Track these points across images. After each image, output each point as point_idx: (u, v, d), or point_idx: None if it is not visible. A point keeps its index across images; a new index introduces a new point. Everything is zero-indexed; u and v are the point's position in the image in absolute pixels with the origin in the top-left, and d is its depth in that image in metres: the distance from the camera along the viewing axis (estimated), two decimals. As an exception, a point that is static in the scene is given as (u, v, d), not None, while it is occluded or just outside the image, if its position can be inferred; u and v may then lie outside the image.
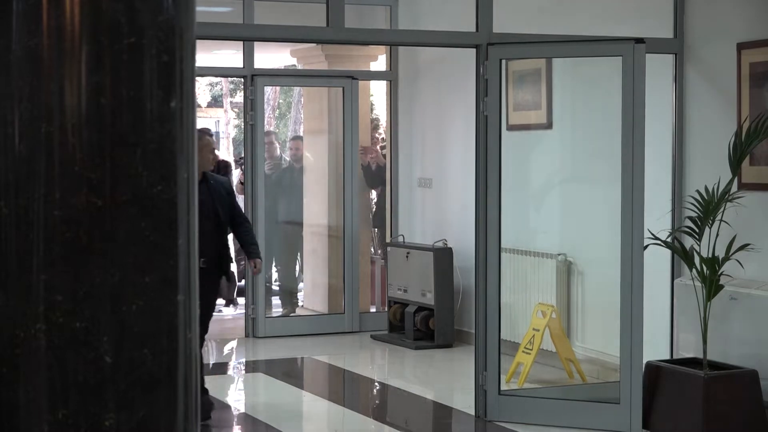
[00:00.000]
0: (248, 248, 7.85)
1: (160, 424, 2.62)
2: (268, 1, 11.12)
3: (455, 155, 10.49)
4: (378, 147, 12.81)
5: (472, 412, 7.54)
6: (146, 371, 2.60)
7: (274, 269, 12.27)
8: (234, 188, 8.53)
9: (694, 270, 7.11)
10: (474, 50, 7.61)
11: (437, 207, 10.97)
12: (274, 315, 11.60)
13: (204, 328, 7.10)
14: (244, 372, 9.89)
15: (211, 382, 7.97)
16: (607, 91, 7.77)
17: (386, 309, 10.96)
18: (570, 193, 8.81)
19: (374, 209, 12.72)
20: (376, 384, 9.29)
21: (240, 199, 9.66)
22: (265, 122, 11.09)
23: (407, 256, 10.55)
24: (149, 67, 2.60)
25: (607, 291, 7.68)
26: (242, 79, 11.44)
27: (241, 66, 11.21)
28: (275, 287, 12.42)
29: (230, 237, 8.02)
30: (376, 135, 13.18)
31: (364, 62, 12.46)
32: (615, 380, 7.53)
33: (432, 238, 10.59)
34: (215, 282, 7.52)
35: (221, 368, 9.75)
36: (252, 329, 10.82)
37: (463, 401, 7.93)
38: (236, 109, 18.48)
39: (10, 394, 2.58)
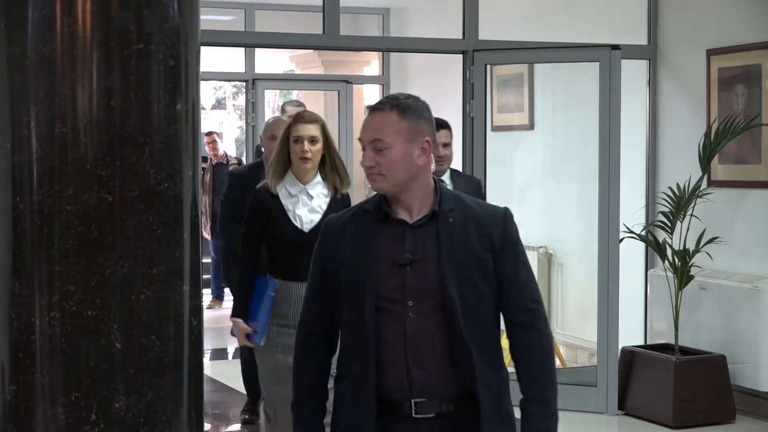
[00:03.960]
0: None
1: (167, 407, 2.62)
2: (269, 10, 11.09)
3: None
4: None
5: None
6: (154, 357, 2.60)
7: None
8: None
9: (666, 261, 7.12)
10: (461, 56, 7.62)
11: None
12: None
13: None
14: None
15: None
16: (585, 94, 7.76)
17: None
18: (550, 189, 8.80)
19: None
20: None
21: None
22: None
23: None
24: (156, 72, 2.60)
25: (585, 281, 7.69)
26: (244, 83, 11.43)
27: (243, 71, 11.20)
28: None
29: None
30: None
31: (358, 67, 12.46)
32: (592, 365, 7.55)
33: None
34: None
35: (222, 354, 9.74)
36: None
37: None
38: (238, 111, 18.47)
39: (27, 377, 2.58)
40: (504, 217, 3.02)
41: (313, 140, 4.76)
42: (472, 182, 6.11)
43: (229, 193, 6.48)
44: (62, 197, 2.53)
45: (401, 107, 2.97)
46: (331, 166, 4.84)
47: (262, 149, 6.52)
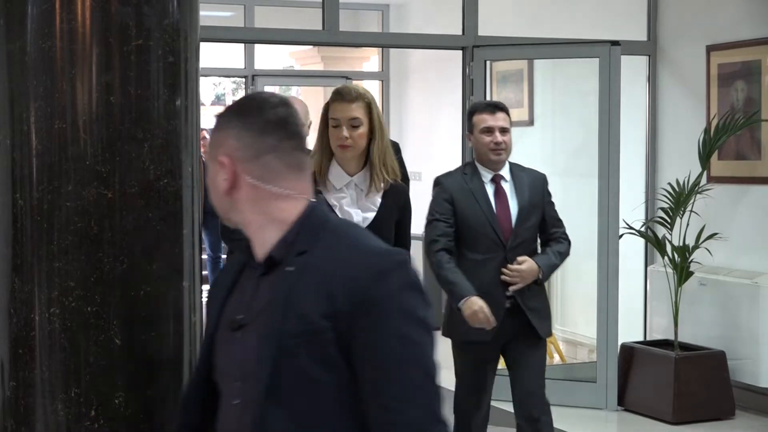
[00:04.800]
0: None
1: (166, 403, 2.62)
2: (268, 6, 11.09)
3: (442, 149, 10.47)
4: None
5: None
6: (154, 353, 2.60)
7: None
8: None
9: (666, 257, 7.12)
10: (460, 52, 7.61)
11: (426, 197, 10.94)
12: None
13: None
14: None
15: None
16: (584, 90, 7.76)
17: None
18: (550, 185, 8.79)
19: None
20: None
21: None
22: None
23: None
24: (156, 68, 2.60)
25: (585, 277, 7.68)
26: (243, 79, 11.42)
27: (243, 67, 11.19)
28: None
29: None
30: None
31: (358, 63, 12.45)
32: (592, 361, 7.55)
33: (421, 227, 10.55)
34: None
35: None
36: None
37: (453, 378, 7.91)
38: (238, 107, 18.47)
39: (26, 373, 2.58)
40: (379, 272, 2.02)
41: (354, 123, 3.87)
42: (537, 178, 5.14)
43: None
44: (62, 193, 2.53)
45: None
46: (377, 155, 3.91)
47: None
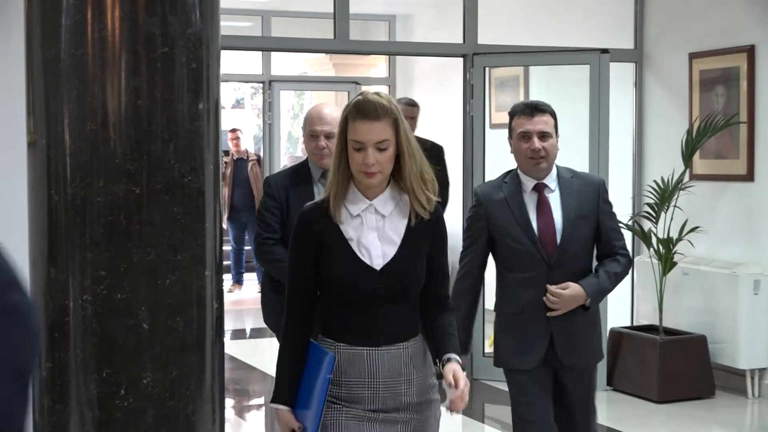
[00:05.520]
0: None
1: (190, 383, 2.62)
2: (284, 17, 11.08)
3: (445, 150, 10.47)
4: None
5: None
6: (178, 337, 2.60)
7: None
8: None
9: (651, 249, 7.11)
10: (461, 59, 7.61)
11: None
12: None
13: None
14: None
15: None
16: (576, 95, 7.74)
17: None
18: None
19: None
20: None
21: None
22: (281, 122, 11.10)
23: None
24: (180, 74, 2.60)
25: (576, 267, 7.65)
26: (261, 84, 11.42)
27: (260, 73, 11.19)
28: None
29: None
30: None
31: (366, 69, 12.44)
32: (583, 344, 7.52)
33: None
34: None
35: (241, 334, 9.74)
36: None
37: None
38: (256, 111, 18.45)
39: (62, 355, 2.58)
40: None
41: (382, 146, 2.90)
42: (590, 184, 4.12)
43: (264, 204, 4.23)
44: (93, 189, 2.53)
45: None
46: (411, 179, 2.95)
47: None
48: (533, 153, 3.95)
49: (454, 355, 2.98)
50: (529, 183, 4.03)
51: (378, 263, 2.91)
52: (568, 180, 4.06)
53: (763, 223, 7.10)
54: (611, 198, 4.21)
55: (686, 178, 7.19)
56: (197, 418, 2.62)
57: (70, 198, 2.55)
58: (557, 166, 4.09)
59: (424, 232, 2.99)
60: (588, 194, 4.05)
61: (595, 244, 4.09)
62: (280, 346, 2.99)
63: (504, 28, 9.02)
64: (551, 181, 4.05)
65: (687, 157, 7.10)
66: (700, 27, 7.52)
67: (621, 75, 7.89)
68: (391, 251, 2.95)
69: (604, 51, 7.25)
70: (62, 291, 2.57)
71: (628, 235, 7.78)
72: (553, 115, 4.06)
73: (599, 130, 7.17)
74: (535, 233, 3.97)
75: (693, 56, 7.54)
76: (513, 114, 4.11)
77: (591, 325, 4.10)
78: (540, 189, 4.03)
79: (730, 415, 6.72)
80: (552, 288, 3.93)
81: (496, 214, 4.01)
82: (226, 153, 11.45)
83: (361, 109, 2.90)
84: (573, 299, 3.94)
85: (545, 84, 8.98)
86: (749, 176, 7.15)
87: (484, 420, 6.86)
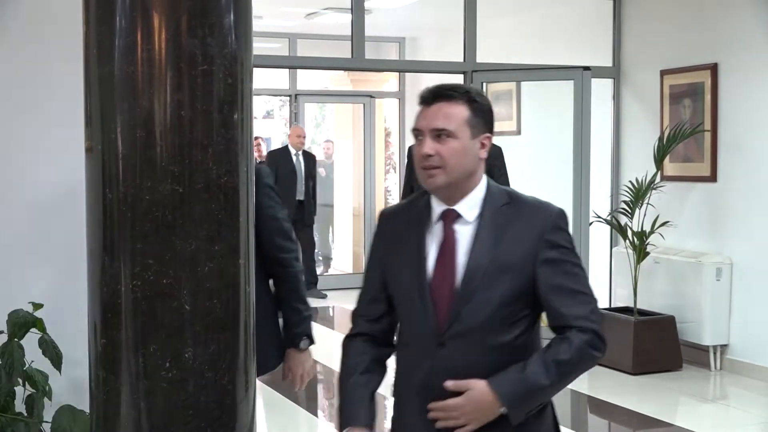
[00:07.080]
0: None
1: (226, 357, 2.61)
2: (308, 39, 11.08)
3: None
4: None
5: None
6: (216, 317, 2.59)
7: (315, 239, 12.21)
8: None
9: (627, 241, 7.09)
10: (462, 75, 7.60)
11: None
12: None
13: None
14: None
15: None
16: (561, 106, 7.73)
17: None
18: (534, 183, 8.76)
19: (390, 193, 12.73)
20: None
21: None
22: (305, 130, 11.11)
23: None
24: (217, 88, 2.58)
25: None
26: (288, 98, 11.42)
27: (287, 87, 11.19)
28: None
29: None
30: (389, 140, 13.14)
31: (380, 84, 12.44)
32: (567, 323, 7.50)
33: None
34: None
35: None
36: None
37: None
38: (284, 121, 18.48)
39: (114, 333, 2.58)
40: None
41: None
42: (534, 216, 2.44)
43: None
44: (142, 189, 2.52)
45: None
46: None
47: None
48: (420, 160, 2.26)
49: None
50: (438, 208, 2.30)
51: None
52: (499, 208, 2.30)
53: (724, 219, 7.07)
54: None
55: (658, 179, 7.17)
56: (232, 387, 2.61)
57: (121, 196, 2.54)
58: (491, 186, 2.34)
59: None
60: (527, 232, 2.30)
61: (543, 312, 2.35)
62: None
63: (499, 48, 9.00)
64: (469, 207, 2.28)
65: (658, 161, 7.08)
66: (669, 47, 7.50)
67: (601, 89, 7.87)
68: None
69: (586, 68, 7.23)
70: (115, 277, 2.56)
71: (606, 229, 7.77)
72: (473, 101, 2.35)
73: (582, 137, 7.15)
74: (426, 286, 2.24)
75: (664, 73, 7.51)
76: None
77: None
78: (447, 219, 2.28)
79: (695, 386, 6.70)
80: (436, 404, 2.18)
81: (390, 251, 2.35)
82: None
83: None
84: (477, 409, 2.15)
85: (535, 97, 8.95)
86: (713, 177, 7.13)
87: None
